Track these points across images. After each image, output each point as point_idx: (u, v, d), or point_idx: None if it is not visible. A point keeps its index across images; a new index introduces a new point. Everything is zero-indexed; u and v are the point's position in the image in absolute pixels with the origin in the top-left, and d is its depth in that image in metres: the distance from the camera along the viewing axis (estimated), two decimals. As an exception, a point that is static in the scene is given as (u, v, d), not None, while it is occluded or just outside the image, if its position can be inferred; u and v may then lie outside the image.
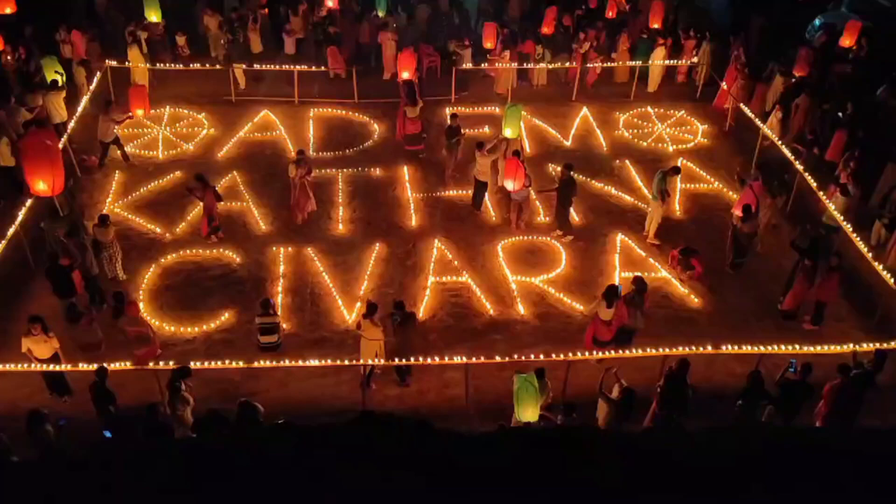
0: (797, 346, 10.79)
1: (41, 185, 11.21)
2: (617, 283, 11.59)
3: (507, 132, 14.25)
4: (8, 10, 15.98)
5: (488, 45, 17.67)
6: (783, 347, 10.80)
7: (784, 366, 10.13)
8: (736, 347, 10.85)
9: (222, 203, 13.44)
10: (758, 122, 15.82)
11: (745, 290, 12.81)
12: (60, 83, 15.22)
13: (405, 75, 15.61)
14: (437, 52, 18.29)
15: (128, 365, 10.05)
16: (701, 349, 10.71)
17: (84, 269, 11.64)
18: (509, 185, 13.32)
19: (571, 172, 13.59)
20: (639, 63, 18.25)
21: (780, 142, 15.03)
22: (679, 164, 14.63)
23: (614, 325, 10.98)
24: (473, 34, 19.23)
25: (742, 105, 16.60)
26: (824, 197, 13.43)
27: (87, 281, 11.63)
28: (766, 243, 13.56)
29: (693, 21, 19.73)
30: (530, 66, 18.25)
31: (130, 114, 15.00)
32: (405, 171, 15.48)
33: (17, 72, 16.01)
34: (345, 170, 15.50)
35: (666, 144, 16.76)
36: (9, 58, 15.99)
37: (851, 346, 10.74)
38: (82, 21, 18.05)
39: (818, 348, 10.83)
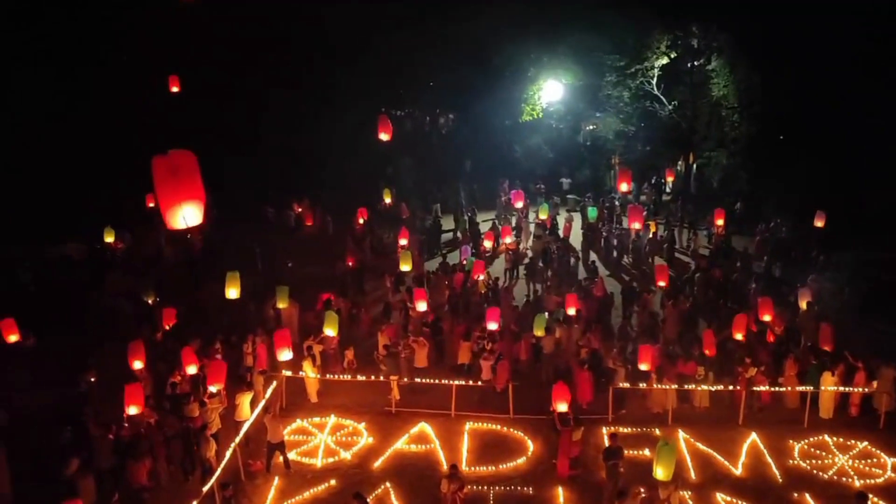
0: None
1: (194, 210, 9.92)
2: None
3: (659, 473, 12.89)
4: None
5: (643, 366, 17.59)
6: None
7: None
8: None
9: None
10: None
11: None
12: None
13: (562, 408, 15.63)
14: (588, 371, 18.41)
15: None
16: None
17: None
18: None
19: None
20: (809, 388, 17.36)
21: None
22: (866, 493, 13.10)
23: None
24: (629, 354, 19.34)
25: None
26: None
27: None
28: None
29: (866, 347, 18.87)
30: (691, 387, 17.82)
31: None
32: (559, 493, 14.84)
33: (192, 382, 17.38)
34: (496, 487, 15.09)
35: (850, 479, 15.19)
36: (179, 377, 17.27)
37: None
38: (269, 334, 20.02)
39: None
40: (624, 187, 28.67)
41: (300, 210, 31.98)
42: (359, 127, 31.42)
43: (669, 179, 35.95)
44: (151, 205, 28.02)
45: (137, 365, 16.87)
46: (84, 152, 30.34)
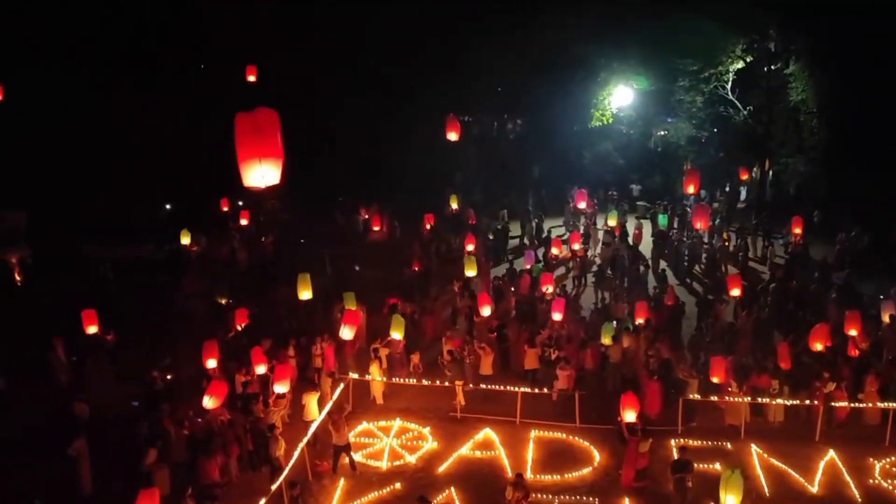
0: None
1: (272, 169, 9.89)
2: None
3: (729, 500, 12.63)
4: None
5: (715, 379, 17.14)
6: None
7: None
8: None
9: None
10: None
11: None
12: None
13: (630, 417, 15.40)
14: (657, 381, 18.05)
15: None
16: None
17: None
18: None
19: None
20: (892, 405, 16.60)
21: None
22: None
23: None
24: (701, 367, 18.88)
25: None
26: None
27: None
28: None
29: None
30: (765, 400, 17.27)
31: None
32: (626, 505, 14.60)
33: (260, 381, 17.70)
34: (561, 496, 14.95)
35: (937, 503, 14.48)
36: (248, 377, 17.66)
37: None
38: (335, 337, 20.30)
39: None
40: (691, 189, 27.95)
41: (368, 215, 32.39)
42: (427, 133, 31.62)
43: (744, 178, 34.95)
44: (226, 209, 28.95)
45: (211, 364, 17.36)
46: (159, 156, 31.52)
